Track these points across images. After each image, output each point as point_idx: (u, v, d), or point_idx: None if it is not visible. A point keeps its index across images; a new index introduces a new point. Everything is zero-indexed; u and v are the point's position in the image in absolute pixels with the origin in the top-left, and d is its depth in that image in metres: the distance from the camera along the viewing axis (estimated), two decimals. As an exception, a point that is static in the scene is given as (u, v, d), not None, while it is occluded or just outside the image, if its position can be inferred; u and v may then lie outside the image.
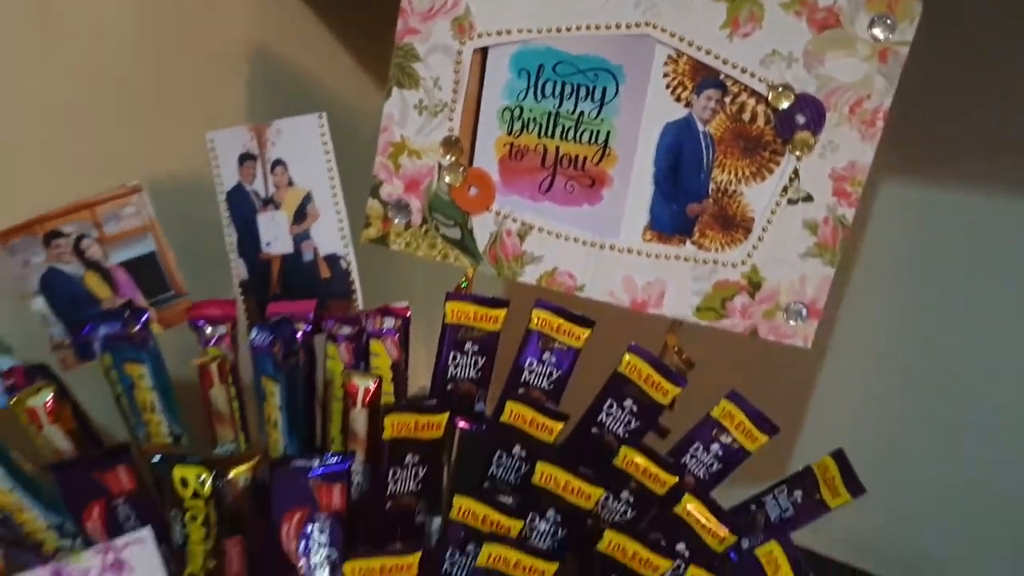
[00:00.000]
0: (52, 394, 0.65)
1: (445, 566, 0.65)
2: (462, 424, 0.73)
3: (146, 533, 0.59)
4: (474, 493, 0.64)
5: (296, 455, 0.65)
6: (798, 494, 0.70)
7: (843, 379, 0.96)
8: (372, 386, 0.65)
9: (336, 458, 0.61)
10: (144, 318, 0.67)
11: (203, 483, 0.59)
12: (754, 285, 0.70)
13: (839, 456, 0.70)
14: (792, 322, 0.70)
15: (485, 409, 0.74)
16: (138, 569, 0.58)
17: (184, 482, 0.59)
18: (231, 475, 0.60)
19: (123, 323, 0.66)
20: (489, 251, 0.73)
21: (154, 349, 0.67)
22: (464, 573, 0.64)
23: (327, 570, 0.64)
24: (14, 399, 0.66)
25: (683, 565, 0.61)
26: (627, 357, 0.70)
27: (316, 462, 0.61)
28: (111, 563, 0.58)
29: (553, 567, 0.59)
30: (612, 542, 0.61)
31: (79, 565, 0.57)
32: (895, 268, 0.91)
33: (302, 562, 0.63)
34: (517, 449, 0.69)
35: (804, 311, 0.69)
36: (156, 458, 0.60)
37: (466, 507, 0.63)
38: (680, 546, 0.66)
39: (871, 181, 0.89)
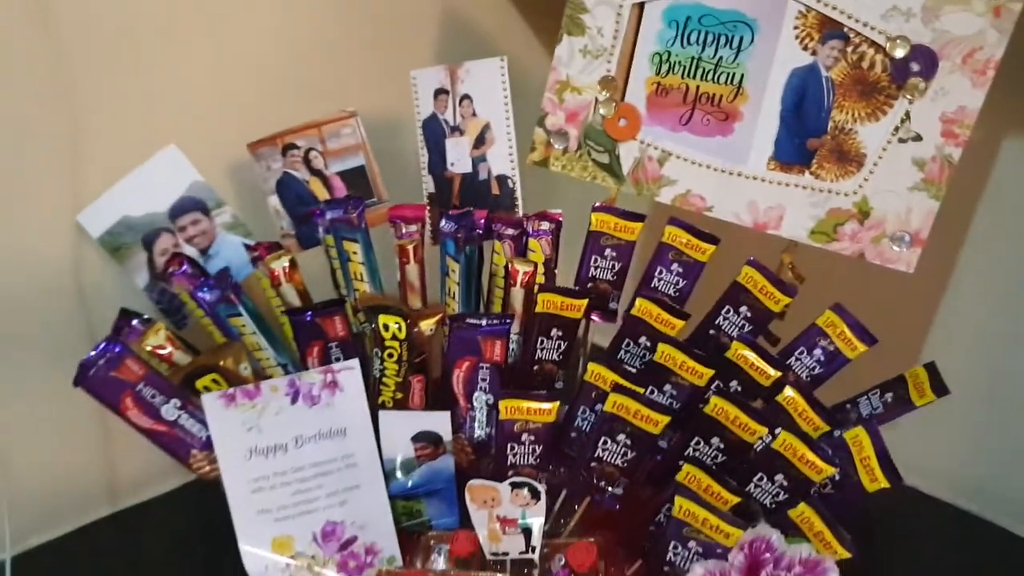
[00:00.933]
0: (289, 260, 0.85)
1: (577, 421, 0.80)
2: (596, 317, 0.87)
3: (355, 363, 0.77)
4: (604, 362, 0.78)
5: (468, 313, 0.82)
6: (889, 396, 0.80)
7: (958, 320, 1.03)
8: (530, 270, 0.81)
9: (499, 319, 0.78)
10: (360, 207, 0.86)
11: (400, 328, 0.77)
12: (864, 213, 0.80)
13: (930, 365, 0.79)
14: (896, 248, 0.79)
15: (618, 308, 0.88)
16: (347, 389, 0.77)
17: (386, 327, 0.77)
18: (420, 325, 0.78)
19: (344, 210, 0.85)
20: (632, 174, 0.87)
21: (365, 231, 0.86)
22: (590, 425, 0.79)
23: (485, 410, 0.80)
24: (262, 262, 0.86)
25: (777, 431, 0.73)
26: (745, 269, 0.82)
27: (484, 320, 0.78)
28: (329, 381, 0.77)
29: (666, 419, 0.72)
30: (717, 406, 0.73)
31: (307, 379, 0.77)
32: (1017, 216, 0.97)
33: (467, 400, 0.80)
34: (643, 340, 0.83)
35: (908, 239, 0.79)
36: (368, 306, 0.78)
37: (597, 371, 0.78)
38: (777, 430, 0.77)
39: (997, 130, 0.96)
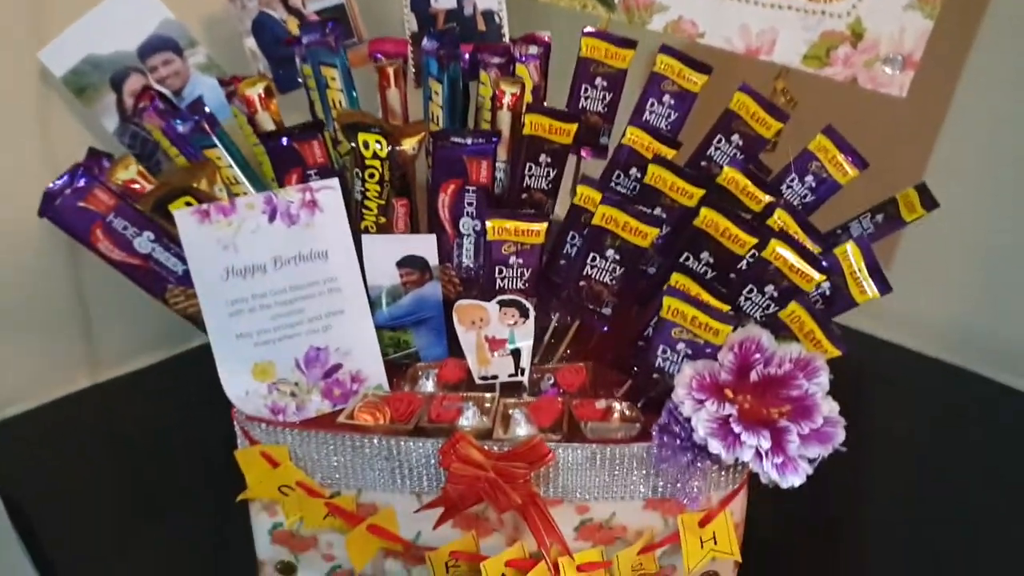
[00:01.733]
0: (264, 87, 0.82)
1: (566, 247, 0.78)
2: (585, 153, 0.85)
3: (335, 181, 0.74)
4: (593, 184, 0.76)
5: (453, 130, 0.79)
6: (879, 216, 0.79)
7: (955, 157, 1.01)
8: (517, 91, 0.78)
9: (484, 137, 0.75)
10: (338, 30, 0.82)
11: (381, 146, 0.74)
12: (857, 35, 0.78)
13: (920, 186, 0.78)
14: (889, 71, 0.77)
15: (609, 143, 0.86)
16: (327, 209, 0.75)
17: (366, 145, 0.74)
18: (403, 143, 0.75)
19: (321, 33, 0.82)
20: (623, 1, 0.84)
21: (343, 57, 0.82)
22: (577, 248, 0.77)
23: (472, 237, 0.78)
24: (237, 94, 0.83)
25: (765, 242, 0.71)
26: (737, 95, 0.80)
27: (469, 139, 0.75)
28: (308, 200, 0.74)
29: (655, 231, 0.71)
30: (707, 218, 0.72)
31: (285, 197, 0.74)
32: (1017, 49, 0.95)
33: (453, 227, 0.78)
34: (634, 171, 0.81)
35: (901, 61, 0.77)
36: (347, 123, 0.75)
37: (587, 194, 0.76)
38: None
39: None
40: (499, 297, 0.74)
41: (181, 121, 0.82)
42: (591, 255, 0.73)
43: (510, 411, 0.72)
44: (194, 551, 0.85)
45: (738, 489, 0.72)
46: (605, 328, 0.76)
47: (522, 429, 0.70)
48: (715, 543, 0.72)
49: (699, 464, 0.66)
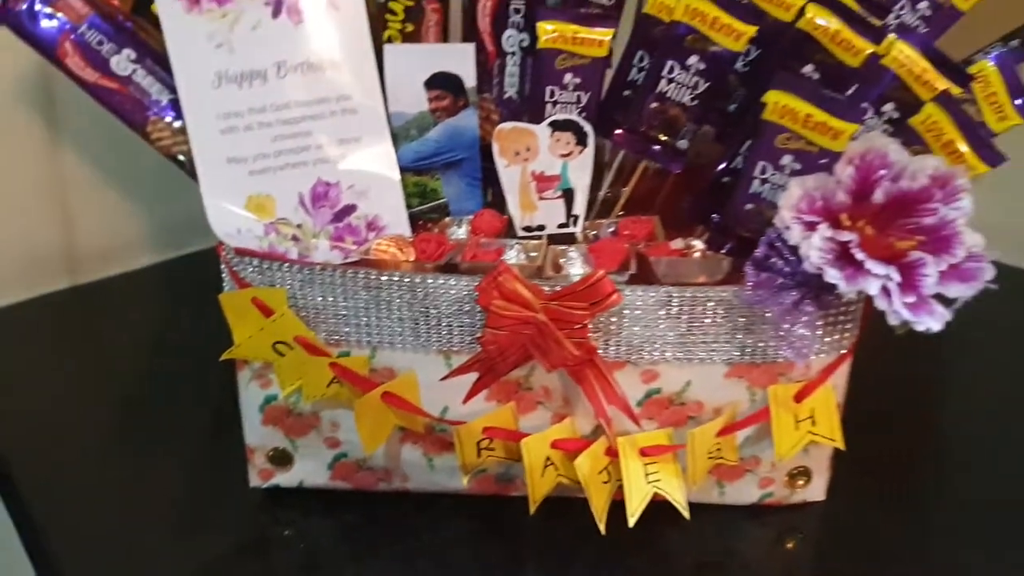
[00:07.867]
0: None
1: (632, 74, 0.65)
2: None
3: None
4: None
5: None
6: (1015, 42, 0.65)
7: None
8: None
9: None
10: None
11: (411, -66, 0.61)
12: None
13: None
14: None
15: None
16: (342, 7, 0.61)
17: (394, -69, 0.61)
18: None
19: None
20: None
21: None
22: (649, 68, 0.63)
23: (518, 57, 0.65)
24: None
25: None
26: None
27: (519, -72, 0.62)
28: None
29: (751, 31, 0.57)
30: (813, 18, 0.58)
31: (295, -10, 0.61)
32: None
33: (494, 42, 0.64)
34: None
35: None
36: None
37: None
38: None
39: None
40: (551, 118, 0.60)
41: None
42: (668, 65, 0.59)
43: (563, 256, 0.59)
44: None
45: (843, 357, 0.58)
46: (678, 170, 0.62)
47: (578, 269, 0.57)
48: (813, 423, 0.58)
49: (806, 305, 0.53)
